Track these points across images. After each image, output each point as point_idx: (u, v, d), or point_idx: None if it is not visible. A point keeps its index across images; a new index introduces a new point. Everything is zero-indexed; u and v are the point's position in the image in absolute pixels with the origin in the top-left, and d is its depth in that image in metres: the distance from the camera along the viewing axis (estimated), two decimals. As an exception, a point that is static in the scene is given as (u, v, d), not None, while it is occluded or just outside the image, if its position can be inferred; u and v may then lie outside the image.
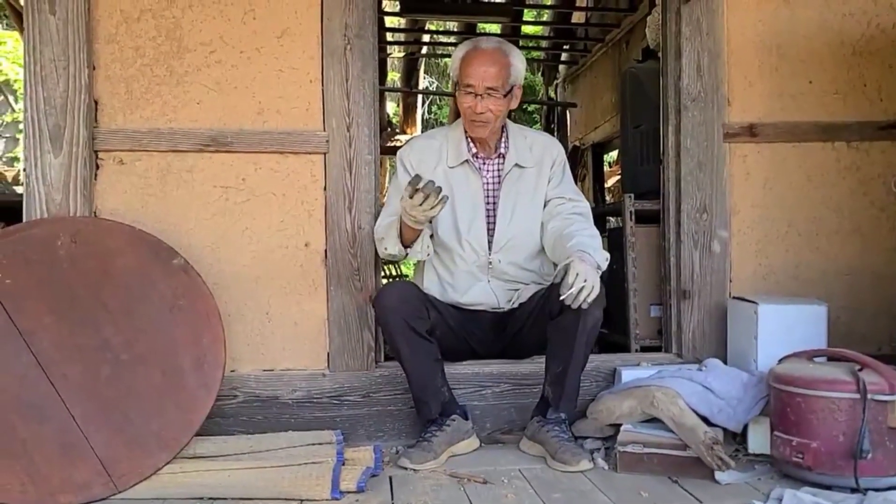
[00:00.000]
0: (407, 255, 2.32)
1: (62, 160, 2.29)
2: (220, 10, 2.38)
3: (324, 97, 2.41)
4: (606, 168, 6.83)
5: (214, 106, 2.39)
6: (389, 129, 8.26)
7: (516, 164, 2.39)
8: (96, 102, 2.35)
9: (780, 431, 2.01)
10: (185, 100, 2.38)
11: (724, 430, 2.19)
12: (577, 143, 6.79)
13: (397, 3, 5.86)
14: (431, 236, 2.36)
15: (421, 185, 2.06)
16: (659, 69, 2.72)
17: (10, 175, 6.97)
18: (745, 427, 2.21)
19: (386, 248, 2.31)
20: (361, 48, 2.42)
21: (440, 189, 2.10)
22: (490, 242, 2.38)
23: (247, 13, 2.39)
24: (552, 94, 7.83)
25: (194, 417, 2.11)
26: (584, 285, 2.01)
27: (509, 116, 2.44)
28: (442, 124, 11.42)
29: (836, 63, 2.62)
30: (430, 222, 2.34)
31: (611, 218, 4.36)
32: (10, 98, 9.10)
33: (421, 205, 2.09)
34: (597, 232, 2.30)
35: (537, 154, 2.42)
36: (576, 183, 6.90)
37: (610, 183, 7.04)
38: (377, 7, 2.50)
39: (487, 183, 2.40)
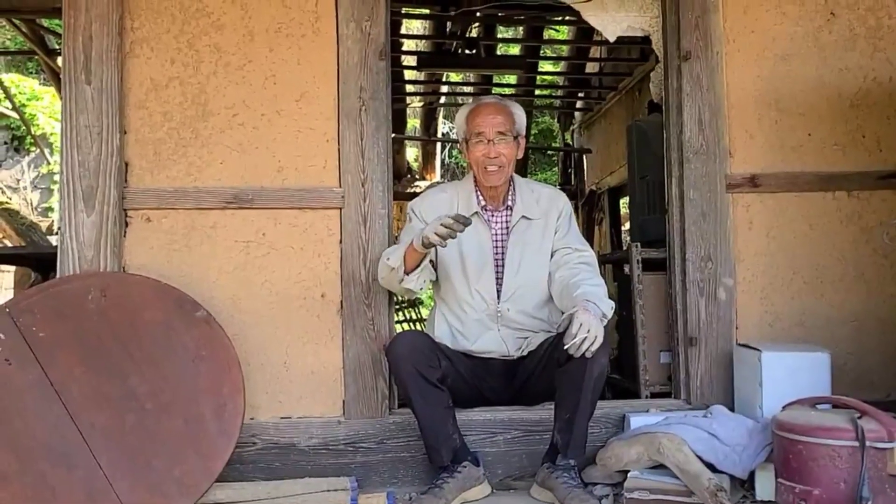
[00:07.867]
0: (402, 280, 2.34)
1: (94, 219, 2.43)
2: (243, 76, 2.53)
3: (340, 155, 2.53)
4: (624, 211, 6.91)
5: (237, 165, 2.52)
6: (409, 176, 8.42)
7: (523, 216, 2.49)
8: (126, 164, 2.49)
9: (784, 478, 2.04)
10: (209, 160, 2.51)
11: (732, 476, 2.22)
12: (593, 188, 6.90)
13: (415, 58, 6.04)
14: (435, 280, 2.46)
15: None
16: (662, 122, 2.81)
17: (44, 225, 7.20)
18: (753, 473, 2.25)
19: (388, 260, 2.34)
20: (375, 109, 2.55)
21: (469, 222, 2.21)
22: (499, 292, 2.46)
23: (267, 78, 2.54)
24: (569, 139, 7.97)
25: (214, 464, 2.20)
26: (587, 335, 2.08)
27: (521, 172, 2.54)
28: (462, 167, 11.59)
29: (834, 116, 2.69)
30: (434, 267, 2.44)
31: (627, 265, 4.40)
32: (46, 151, 9.42)
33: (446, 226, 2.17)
34: (602, 281, 2.37)
35: (544, 206, 2.52)
36: (594, 227, 6.93)
37: (627, 227, 7.10)
38: (391, 69, 2.64)
39: (496, 234, 2.50)
